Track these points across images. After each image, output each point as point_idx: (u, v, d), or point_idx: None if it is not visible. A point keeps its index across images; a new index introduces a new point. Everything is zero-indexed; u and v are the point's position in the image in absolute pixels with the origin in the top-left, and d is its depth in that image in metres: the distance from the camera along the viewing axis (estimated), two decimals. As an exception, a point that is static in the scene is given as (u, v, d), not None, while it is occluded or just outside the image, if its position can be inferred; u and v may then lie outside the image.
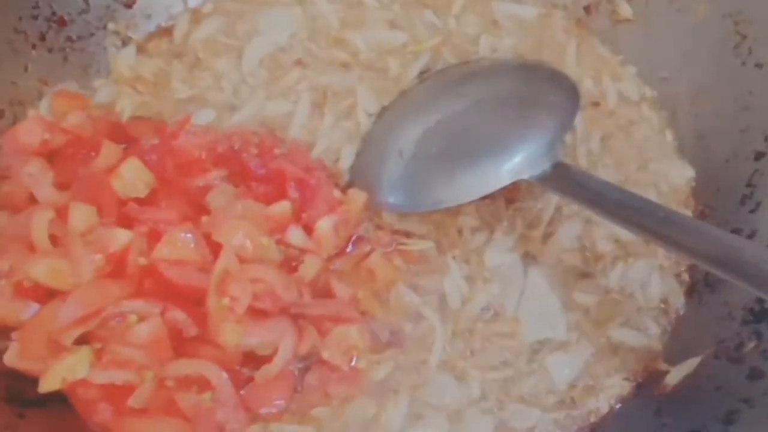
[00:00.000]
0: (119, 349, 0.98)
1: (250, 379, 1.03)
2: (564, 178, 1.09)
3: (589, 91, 1.33)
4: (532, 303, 1.14)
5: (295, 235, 1.10)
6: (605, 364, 1.11)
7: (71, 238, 1.03)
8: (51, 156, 1.18)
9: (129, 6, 1.39)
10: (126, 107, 1.30)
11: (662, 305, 1.15)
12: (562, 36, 1.40)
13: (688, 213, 1.23)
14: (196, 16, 1.42)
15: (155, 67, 1.36)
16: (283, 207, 1.11)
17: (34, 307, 1.03)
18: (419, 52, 1.36)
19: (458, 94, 1.25)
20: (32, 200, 1.12)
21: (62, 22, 1.32)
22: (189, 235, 1.04)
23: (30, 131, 1.17)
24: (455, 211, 1.20)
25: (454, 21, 1.40)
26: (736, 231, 1.11)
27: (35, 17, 1.29)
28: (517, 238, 1.18)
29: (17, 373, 1.01)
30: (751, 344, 1.00)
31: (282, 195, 1.13)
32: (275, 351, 1.02)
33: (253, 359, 1.03)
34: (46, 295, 1.03)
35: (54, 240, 1.05)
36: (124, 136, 1.22)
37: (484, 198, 1.16)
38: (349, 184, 1.22)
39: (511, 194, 1.21)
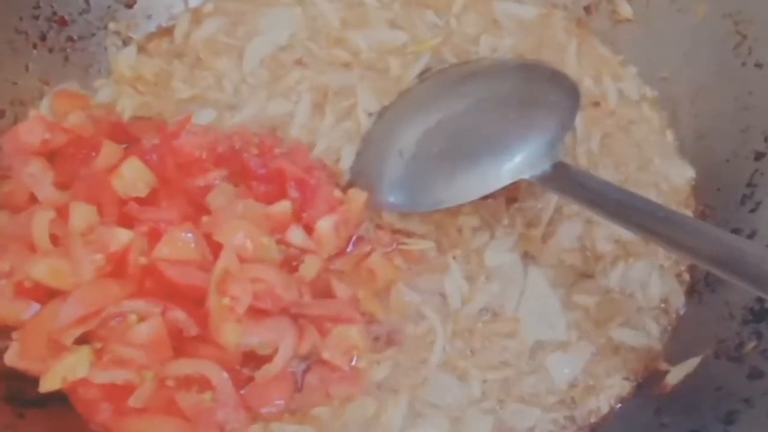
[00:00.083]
0: (120, 349, 0.98)
1: (251, 379, 1.03)
2: (564, 178, 1.09)
3: (590, 91, 1.33)
4: (533, 303, 1.14)
5: (296, 235, 1.10)
6: (605, 363, 1.11)
7: (72, 237, 1.03)
8: (52, 156, 1.18)
9: (130, 6, 1.39)
10: (127, 107, 1.30)
11: (662, 305, 1.15)
12: (562, 36, 1.40)
13: (689, 213, 1.23)
14: (197, 16, 1.42)
15: (156, 67, 1.36)
16: (283, 207, 1.11)
17: (35, 306, 1.03)
18: (420, 52, 1.36)
19: (458, 93, 1.25)
20: (33, 200, 1.12)
21: (63, 22, 1.32)
22: (189, 234, 1.04)
23: (31, 131, 1.17)
24: (455, 210, 1.20)
25: (454, 21, 1.40)
26: (736, 231, 1.11)
27: (36, 17, 1.29)
28: (518, 238, 1.19)
29: (17, 373, 1.01)
30: (752, 344, 1.00)
31: (282, 195, 1.13)
32: (276, 351, 1.02)
33: (254, 359, 1.03)
34: (47, 294, 1.03)
35: (54, 240, 1.05)
36: (125, 136, 1.23)
37: (484, 198, 1.16)
38: (350, 184, 1.22)
39: (511, 194, 1.21)
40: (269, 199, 1.12)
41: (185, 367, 0.99)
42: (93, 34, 1.36)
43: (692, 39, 1.27)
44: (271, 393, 1.04)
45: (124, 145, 1.19)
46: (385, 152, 1.23)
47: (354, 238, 1.17)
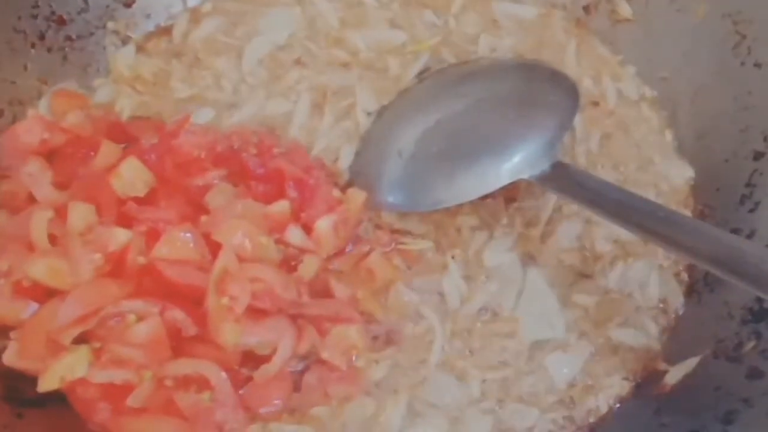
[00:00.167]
0: (118, 349, 0.97)
1: (249, 379, 1.03)
2: (563, 178, 1.10)
3: (589, 91, 1.33)
4: (532, 303, 1.14)
5: (295, 235, 1.10)
6: (604, 363, 1.11)
7: (70, 237, 1.02)
8: (50, 155, 1.18)
9: (128, 5, 1.39)
10: (125, 107, 1.30)
11: (661, 305, 1.15)
12: (561, 36, 1.40)
13: (688, 213, 1.23)
14: (196, 16, 1.42)
15: (155, 66, 1.36)
16: (282, 206, 1.11)
17: (33, 306, 1.03)
18: (419, 52, 1.36)
19: (458, 93, 1.25)
20: (31, 200, 1.12)
21: (61, 22, 1.32)
22: (188, 234, 1.04)
23: (29, 130, 1.17)
24: (454, 210, 1.20)
25: (453, 20, 1.40)
26: (735, 231, 1.11)
27: (34, 16, 1.29)
28: (517, 237, 1.18)
29: (16, 373, 1.01)
30: (751, 344, 1.00)
31: (281, 194, 1.13)
32: (274, 350, 1.02)
33: (252, 359, 1.03)
34: (45, 294, 1.03)
35: (53, 239, 1.05)
36: (124, 136, 1.22)
37: (483, 198, 1.16)
38: (349, 184, 1.22)
39: (510, 194, 1.21)
40: (268, 199, 1.12)
41: (184, 366, 0.99)
42: (92, 34, 1.36)
43: (692, 39, 1.27)
44: (270, 393, 1.04)
45: (122, 145, 1.19)
46: (384, 152, 1.23)
47: (353, 237, 1.17)
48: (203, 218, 1.07)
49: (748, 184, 1.14)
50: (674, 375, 1.06)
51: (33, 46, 1.29)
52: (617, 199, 1.03)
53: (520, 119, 1.17)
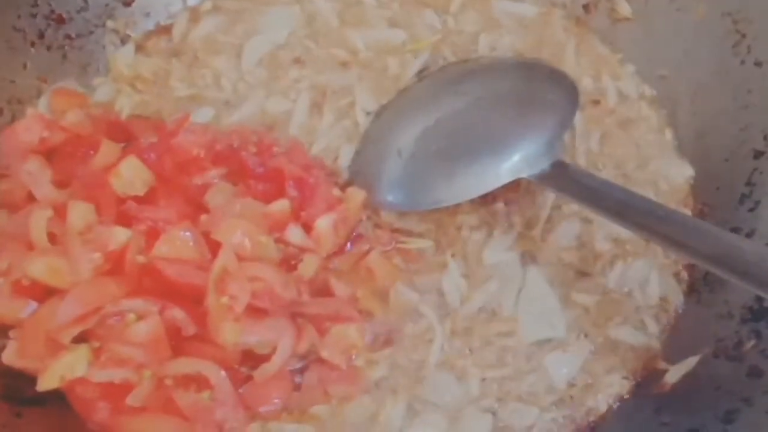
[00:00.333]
0: (118, 348, 0.97)
1: (249, 378, 1.03)
2: (563, 177, 1.09)
3: (589, 90, 1.33)
4: (531, 302, 1.14)
5: (294, 234, 1.10)
6: (604, 362, 1.11)
7: (70, 236, 1.02)
8: (50, 154, 1.17)
9: (128, 4, 1.39)
10: (125, 105, 1.30)
11: (661, 304, 1.15)
12: (561, 34, 1.40)
13: (687, 212, 1.23)
14: (195, 15, 1.42)
15: (154, 65, 1.36)
16: (282, 205, 1.11)
17: (33, 305, 1.03)
18: (418, 51, 1.36)
19: (457, 92, 1.25)
20: (31, 198, 1.12)
21: (61, 20, 1.32)
22: (188, 233, 1.04)
23: (29, 129, 1.17)
24: (454, 209, 1.20)
25: (453, 19, 1.40)
26: (735, 230, 1.11)
27: (34, 15, 1.29)
28: (516, 236, 1.18)
29: (15, 372, 1.01)
30: (751, 343, 1.00)
31: (281, 193, 1.13)
32: (274, 350, 1.02)
33: (252, 358, 1.03)
34: (45, 293, 1.03)
35: (52, 238, 1.05)
36: (123, 135, 1.22)
37: (483, 197, 1.16)
38: (348, 183, 1.22)
39: (510, 193, 1.20)
40: (268, 198, 1.12)
41: (183, 366, 0.99)
42: (91, 32, 1.36)
43: (691, 37, 1.27)
44: (270, 392, 1.04)
45: (122, 144, 1.19)
46: (383, 151, 1.23)
47: (352, 236, 1.17)
48: (203, 217, 1.07)
49: (747, 183, 1.13)
50: (674, 374, 1.06)
51: (32, 44, 1.29)
52: (617, 198, 1.03)
53: (519, 118, 1.17)
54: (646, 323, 1.13)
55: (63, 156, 1.18)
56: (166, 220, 1.06)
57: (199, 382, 0.99)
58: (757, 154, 1.13)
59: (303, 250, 1.11)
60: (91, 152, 1.15)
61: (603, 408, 1.08)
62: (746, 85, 1.18)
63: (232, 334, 0.99)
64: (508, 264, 1.17)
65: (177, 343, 1.01)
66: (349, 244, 1.16)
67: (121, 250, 1.03)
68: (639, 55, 1.36)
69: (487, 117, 1.20)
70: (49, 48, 1.31)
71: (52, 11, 1.30)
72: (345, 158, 1.25)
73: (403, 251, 1.17)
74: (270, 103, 1.31)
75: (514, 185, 1.16)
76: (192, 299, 1.01)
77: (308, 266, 1.09)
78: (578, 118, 1.27)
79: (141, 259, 1.02)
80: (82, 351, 0.97)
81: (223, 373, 0.99)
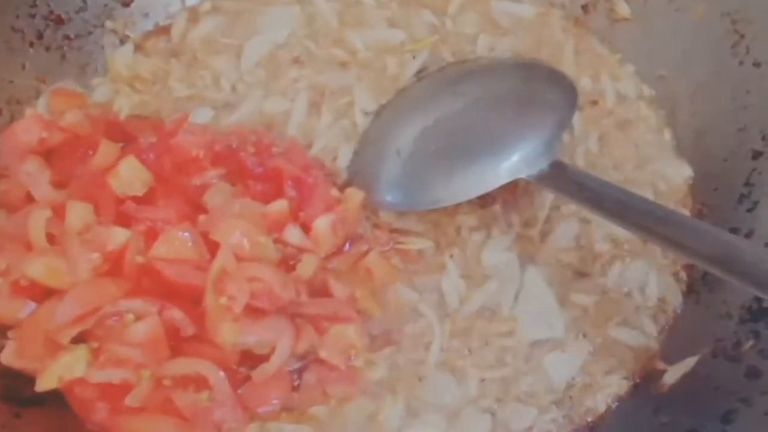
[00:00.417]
0: (116, 348, 0.97)
1: (248, 378, 1.03)
2: (562, 177, 1.10)
3: (587, 90, 1.33)
4: (530, 302, 1.14)
5: (293, 234, 1.10)
6: (603, 363, 1.11)
7: (68, 236, 1.02)
8: (48, 154, 1.17)
9: (127, 4, 1.39)
10: (124, 106, 1.30)
11: (660, 304, 1.15)
12: (560, 35, 1.40)
13: (686, 212, 1.23)
14: (194, 15, 1.42)
15: (153, 65, 1.36)
16: (280, 206, 1.11)
17: (31, 305, 1.03)
18: (417, 51, 1.36)
19: (456, 92, 1.25)
20: (29, 199, 1.12)
21: (60, 21, 1.32)
22: (186, 233, 1.04)
23: (27, 130, 1.17)
24: (453, 210, 1.20)
25: (451, 20, 1.40)
26: (733, 230, 1.11)
27: (33, 15, 1.28)
28: (515, 237, 1.18)
29: (14, 372, 1.01)
30: (749, 343, 1.00)
31: (279, 194, 1.13)
32: (273, 350, 1.02)
33: (251, 358, 1.03)
34: (43, 293, 1.03)
35: (51, 239, 1.05)
36: (122, 135, 1.22)
37: (481, 197, 1.16)
38: (347, 183, 1.22)
39: (508, 193, 1.20)
40: (266, 198, 1.12)
41: (182, 366, 0.99)
42: (90, 33, 1.36)
43: (690, 38, 1.27)
44: (269, 392, 1.04)
45: (121, 144, 1.19)
46: (382, 151, 1.23)
47: (351, 237, 1.17)
48: (201, 217, 1.07)
49: (746, 184, 1.14)
50: (673, 374, 1.06)
51: (31, 45, 1.29)
52: (616, 199, 1.03)
53: (518, 118, 1.17)
54: (644, 323, 1.13)
55: (62, 156, 1.17)
56: (165, 220, 1.06)
57: (197, 382, 0.99)
58: (756, 155, 1.13)
59: (302, 250, 1.11)
60: (90, 152, 1.15)
61: (602, 408, 1.08)
62: (745, 86, 1.18)
63: (230, 334, 0.99)
64: (507, 264, 1.17)
65: (176, 343, 1.01)
66: (347, 245, 1.16)
67: (119, 251, 1.03)
68: (638, 56, 1.36)
69: (486, 117, 1.20)
70: (47, 48, 1.31)
71: (51, 12, 1.30)
72: (344, 158, 1.25)
73: (402, 251, 1.17)
74: (269, 104, 1.31)
75: (513, 186, 1.16)
76: (191, 299, 1.01)
77: (307, 266, 1.09)
78: (577, 119, 1.28)
79: (140, 259, 1.02)
80: (81, 351, 0.97)
81: (221, 373, 0.99)
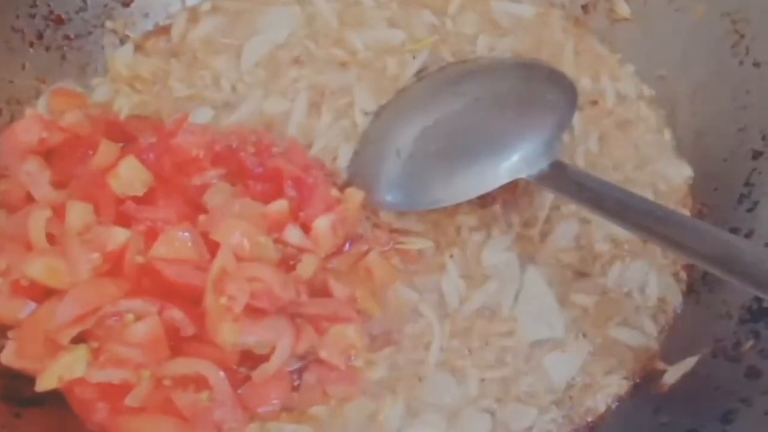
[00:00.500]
0: (116, 348, 0.97)
1: (248, 378, 1.03)
2: (562, 177, 1.10)
3: (587, 90, 1.33)
4: (530, 302, 1.14)
5: (293, 234, 1.10)
6: (603, 363, 1.11)
7: (68, 236, 1.02)
8: (48, 154, 1.17)
9: (127, 4, 1.39)
10: (124, 106, 1.30)
11: (660, 304, 1.15)
12: (560, 35, 1.40)
13: (686, 212, 1.23)
14: (194, 15, 1.42)
15: (153, 65, 1.36)
16: (280, 206, 1.11)
17: (31, 305, 1.03)
18: (417, 51, 1.36)
19: (456, 92, 1.25)
20: (29, 199, 1.12)
21: (60, 21, 1.32)
22: (186, 233, 1.04)
23: (27, 130, 1.17)
24: (453, 210, 1.20)
25: (451, 20, 1.40)
26: (733, 230, 1.11)
27: (33, 16, 1.28)
28: (515, 237, 1.18)
29: (14, 372, 1.01)
30: (749, 343, 1.00)
31: (279, 194, 1.13)
32: (273, 350, 1.02)
33: (251, 358, 1.03)
34: (43, 293, 1.03)
35: (51, 239, 1.05)
36: (122, 135, 1.22)
37: (481, 197, 1.16)
38: (347, 183, 1.22)
39: (508, 193, 1.20)
40: (266, 198, 1.12)
41: (182, 366, 0.99)
42: (90, 33, 1.36)
43: (690, 38, 1.27)
44: (269, 392, 1.04)
45: (121, 144, 1.19)
46: (382, 151, 1.23)
47: (351, 237, 1.17)
48: (201, 217, 1.07)
49: (746, 184, 1.14)
50: (673, 374, 1.06)
51: (31, 45, 1.29)
52: (616, 199, 1.03)
53: (518, 118, 1.17)
54: (644, 323, 1.13)
55: (62, 156, 1.17)
56: (165, 220, 1.06)
57: (197, 382, 0.99)
58: (756, 155, 1.14)
59: (302, 250, 1.11)
60: (90, 152, 1.15)
61: (602, 408, 1.08)
62: (745, 86, 1.18)
63: (230, 334, 0.99)
64: (507, 264, 1.17)
65: (176, 343, 1.01)
66: (347, 245, 1.16)
67: (119, 251, 1.03)
68: (638, 56, 1.36)
69: (486, 117, 1.20)
70: (47, 48, 1.31)
71: (51, 12, 1.30)
72: (344, 158, 1.25)
73: (402, 251, 1.17)
74: (269, 104, 1.31)
75: (513, 186, 1.16)
76: (191, 299, 1.01)
77: (307, 266, 1.09)
78: (577, 119, 1.28)
79: (140, 259, 1.02)
80: (81, 351, 0.97)
81: (221, 373, 0.99)
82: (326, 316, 1.07)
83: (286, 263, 1.10)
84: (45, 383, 0.96)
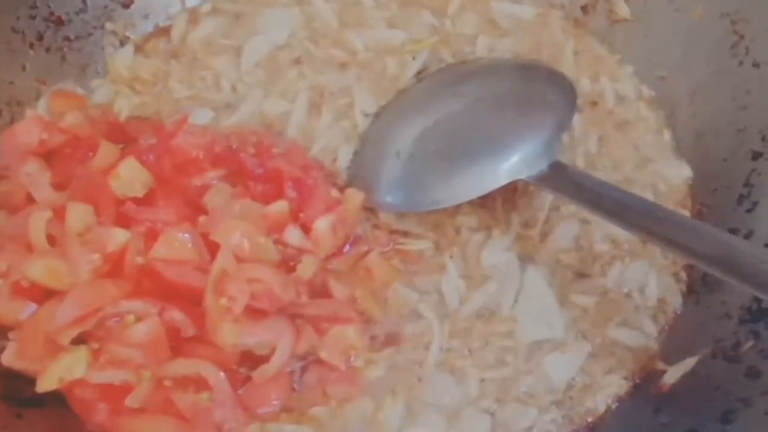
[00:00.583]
0: (117, 349, 0.97)
1: (248, 379, 1.03)
2: (561, 178, 1.10)
3: (587, 91, 1.33)
4: (530, 302, 1.14)
5: (293, 235, 1.10)
6: (603, 363, 1.11)
7: (69, 237, 1.02)
8: (49, 156, 1.18)
9: (127, 6, 1.39)
10: (124, 107, 1.30)
11: (660, 305, 1.15)
12: (559, 36, 1.40)
13: (686, 213, 1.23)
14: (194, 16, 1.42)
15: (153, 67, 1.36)
16: (280, 206, 1.11)
17: (32, 306, 1.03)
18: (417, 52, 1.36)
19: (456, 93, 1.25)
20: (30, 200, 1.12)
21: (60, 22, 1.32)
22: (187, 234, 1.04)
23: (28, 131, 1.17)
24: (453, 210, 1.20)
25: (451, 21, 1.40)
26: (733, 231, 1.11)
27: (33, 17, 1.29)
28: (515, 237, 1.19)
29: (15, 373, 1.01)
30: (749, 344, 1.00)
31: (279, 194, 1.13)
32: (273, 351, 1.02)
33: (251, 359, 1.03)
34: (44, 294, 1.03)
35: (51, 240, 1.05)
36: (122, 136, 1.22)
37: (481, 198, 1.16)
38: (347, 184, 1.22)
39: (508, 194, 1.21)
40: (266, 199, 1.12)
41: (182, 367, 0.99)
42: (90, 34, 1.36)
43: (690, 38, 1.27)
44: (269, 393, 1.04)
45: (121, 145, 1.19)
46: (382, 152, 1.23)
47: (351, 238, 1.17)
48: (202, 218, 1.07)
49: (746, 184, 1.14)
50: (673, 375, 1.06)
51: (31, 46, 1.29)
52: (615, 199, 1.03)
53: (518, 119, 1.17)
54: (644, 324, 1.13)
55: (62, 158, 1.18)
56: (165, 221, 1.06)
57: (198, 383, 0.99)
58: (756, 155, 1.14)
59: (302, 251, 1.11)
60: (90, 154, 1.15)
61: (602, 408, 1.08)
62: (744, 86, 1.18)
63: (230, 335, 0.99)
64: (507, 265, 1.17)
65: (176, 344, 1.01)
66: (347, 245, 1.16)
67: (120, 252, 1.03)
68: (637, 56, 1.36)
69: (486, 118, 1.20)
70: (48, 50, 1.31)
71: (51, 13, 1.31)
72: (344, 159, 1.25)
73: (402, 252, 1.17)
74: (269, 104, 1.31)
75: (513, 186, 1.16)
76: (191, 300, 1.01)
77: (307, 267, 1.09)
78: (576, 120, 1.28)
79: (140, 260, 1.02)
80: (81, 352, 0.98)
81: (222, 374, 0.99)
82: (326, 316, 1.07)
83: (287, 264, 1.10)
84: (45, 384, 0.96)
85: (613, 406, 1.08)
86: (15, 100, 1.27)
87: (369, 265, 1.14)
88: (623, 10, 1.36)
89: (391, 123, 1.27)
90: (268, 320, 1.03)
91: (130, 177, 1.10)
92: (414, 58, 1.35)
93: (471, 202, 1.18)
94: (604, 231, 1.18)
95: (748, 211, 1.12)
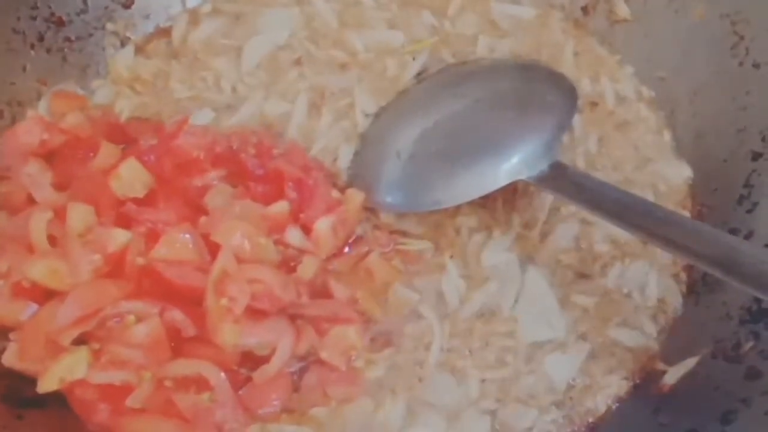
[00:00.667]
0: (117, 350, 0.98)
1: (249, 380, 1.03)
2: (561, 179, 1.10)
3: (587, 92, 1.33)
4: (530, 303, 1.14)
5: (294, 236, 1.10)
6: (603, 363, 1.11)
7: (69, 238, 1.03)
8: (49, 156, 1.18)
9: (127, 6, 1.39)
10: (124, 108, 1.31)
11: (660, 305, 1.15)
12: (559, 36, 1.40)
13: (686, 213, 1.23)
14: (195, 17, 1.42)
15: (154, 67, 1.36)
16: (281, 207, 1.11)
17: (33, 307, 1.03)
18: (417, 53, 1.36)
19: (456, 94, 1.25)
20: (31, 201, 1.12)
21: (61, 23, 1.32)
22: (187, 235, 1.04)
23: (29, 131, 1.17)
24: (453, 211, 1.20)
25: (451, 21, 1.40)
26: (733, 231, 1.11)
27: (34, 18, 1.29)
28: (515, 238, 1.19)
29: (16, 374, 1.01)
30: (749, 344, 1.00)
31: (280, 195, 1.13)
32: (273, 351, 1.02)
33: (252, 359, 1.03)
34: (45, 295, 1.03)
35: (52, 240, 1.05)
36: (123, 137, 1.23)
37: (482, 198, 1.16)
38: (347, 184, 1.22)
39: (508, 194, 1.21)
40: (267, 200, 1.12)
41: (183, 367, 1.00)
42: (91, 35, 1.36)
43: (690, 39, 1.27)
44: (269, 393, 1.04)
45: (121, 146, 1.19)
46: (382, 152, 1.23)
47: (352, 238, 1.17)
48: (202, 219, 1.07)
49: (746, 185, 1.14)
50: (673, 375, 1.06)
51: (32, 47, 1.29)
52: (615, 200, 1.03)
53: (518, 120, 1.17)
54: (644, 324, 1.13)
55: (63, 158, 1.18)
56: (166, 221, 1.06)
57: (198, 383, 0.99)
58: (756, 156, 1.14)
59: (302, 251, 1.11)
60: (91, 154, 1.15)
61: (602, 409, 1.08)
62: (744, 87, 1.18)
63: (231, 335, 0.99)
64: (507, 265, 1.17)
65: (177, 344, 1.01)
66: (348, 246, 1.16)
67: (120, 252, 1.03)
68: (637, 57, 1.36)
69: (486, 119, 1.20)
70: (48, 50, 1.31)
71: (52, 14, 1.31)
72: (344, 159, 1.25)
73: (402, 252, 1.17)
74: (269, 105, 1.31)
75: (513, 187, 1.16)
76: (191, 301, 1.01)
77: (307, 268, 1.09)
78: (577, 120, 1.28)
79: (140, 260, 1.02)
80: (82, 353, 0.98)
81: (222, 374, 0.99)
82: (327, 317, 1.07)
83: (287, 264, 1.10)
84: (46, 385, 0.96)
85: (614, 407, 1.09)
86: (16, 101, 1.27)
87: (369, 266, 1.14)
88: (623, 11, 1.36)
89: (391, 123, 1.27)
90: (268, 321, 1.03)
91: (130, 177, 1.10)
92: (414, 59, 1.35)
93: (471, 203, 1.18)
94: (605, 231, 1.19)
95: (748, 211, 1.12)
